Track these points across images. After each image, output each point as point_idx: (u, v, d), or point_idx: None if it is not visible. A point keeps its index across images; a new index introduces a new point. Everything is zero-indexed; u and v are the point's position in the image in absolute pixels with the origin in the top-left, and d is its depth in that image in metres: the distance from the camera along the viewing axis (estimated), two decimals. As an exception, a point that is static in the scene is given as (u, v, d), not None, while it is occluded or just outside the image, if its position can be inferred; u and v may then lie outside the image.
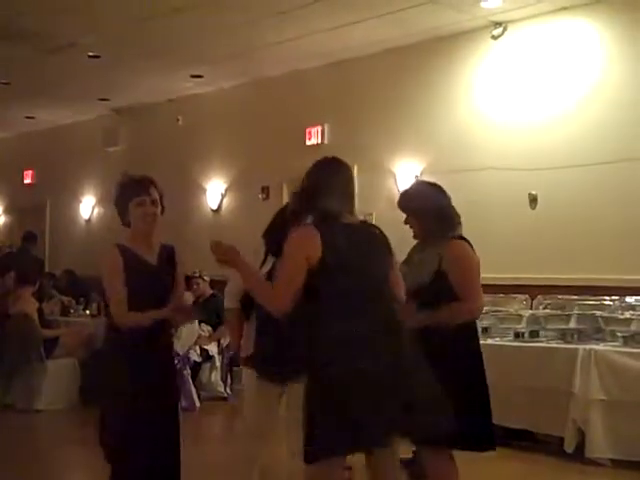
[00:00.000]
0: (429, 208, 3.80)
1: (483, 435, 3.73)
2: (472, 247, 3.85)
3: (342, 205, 3.29)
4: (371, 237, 3.33)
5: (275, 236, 3.90)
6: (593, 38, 7.33)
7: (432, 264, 3.71)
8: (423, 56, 8.50)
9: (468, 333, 3.80)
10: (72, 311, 9.85)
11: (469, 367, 3.72)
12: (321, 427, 3.04)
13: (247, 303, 4.06)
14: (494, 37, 7.92)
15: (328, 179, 3.32)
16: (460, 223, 3.87)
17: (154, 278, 3.64)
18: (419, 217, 3.82)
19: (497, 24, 7.86)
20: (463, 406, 3.39)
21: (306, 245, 3.14)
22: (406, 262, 3.89)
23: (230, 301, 4.28)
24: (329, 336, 3.09)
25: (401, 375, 3.07)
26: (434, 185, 3.98)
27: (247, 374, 4.22)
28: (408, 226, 3.92)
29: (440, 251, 3.72)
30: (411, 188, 4.16)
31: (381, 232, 3.39)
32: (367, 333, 3.08)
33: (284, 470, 4.12)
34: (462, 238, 3.85)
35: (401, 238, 3.87)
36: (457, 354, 3.66)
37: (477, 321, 4.01)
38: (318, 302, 3.12)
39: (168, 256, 3.75)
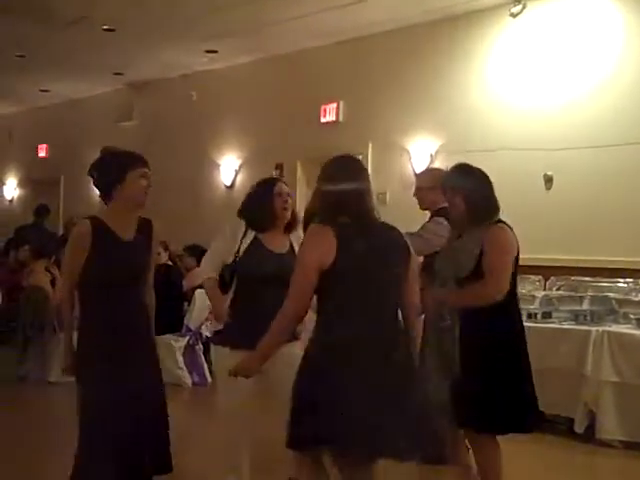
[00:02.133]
0: (479, 192, 3.76)
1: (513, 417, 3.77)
2: (512, 231, 3.80)
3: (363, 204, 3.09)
4: (390, 241, 3.13)
5: (258, 211, 4.12)
6: (615, 19, 7.21)
7: (475, 249, 3.65)
8: (440, 34, 8.42)
9: (501, 316, 3.71)
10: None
11: (499, 348, 3.67)
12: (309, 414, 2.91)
13: (226, 276, 3.96)
14: (513, 15, 7.79)
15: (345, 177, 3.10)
16: (499, 209, 3.81)
17: (126, 254, 3.46)
18: (467, 200, 3.75)
19: (516, 1, 7.73)
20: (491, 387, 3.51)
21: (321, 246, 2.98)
22: (443, 250, 3.90)
23: (207, 270, 4.08)
24: (335, 336, 2.97)
25: (395, 385, 2.95)
26: (478, 170, 3.90)
27: (219, 352, 4.02)
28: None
29: (481, 235, 3.67)
30: (460, 170, 3.93)
31: (400, 235, 3.19)
32: (368, 337, 2.96)
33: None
34: (503, 222, 3.79)
35: (413, 217, 3.86)
36: (488, 335, 3.64)
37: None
38: (327, 302, 3.02)
39: (147, 230, 3.58)
